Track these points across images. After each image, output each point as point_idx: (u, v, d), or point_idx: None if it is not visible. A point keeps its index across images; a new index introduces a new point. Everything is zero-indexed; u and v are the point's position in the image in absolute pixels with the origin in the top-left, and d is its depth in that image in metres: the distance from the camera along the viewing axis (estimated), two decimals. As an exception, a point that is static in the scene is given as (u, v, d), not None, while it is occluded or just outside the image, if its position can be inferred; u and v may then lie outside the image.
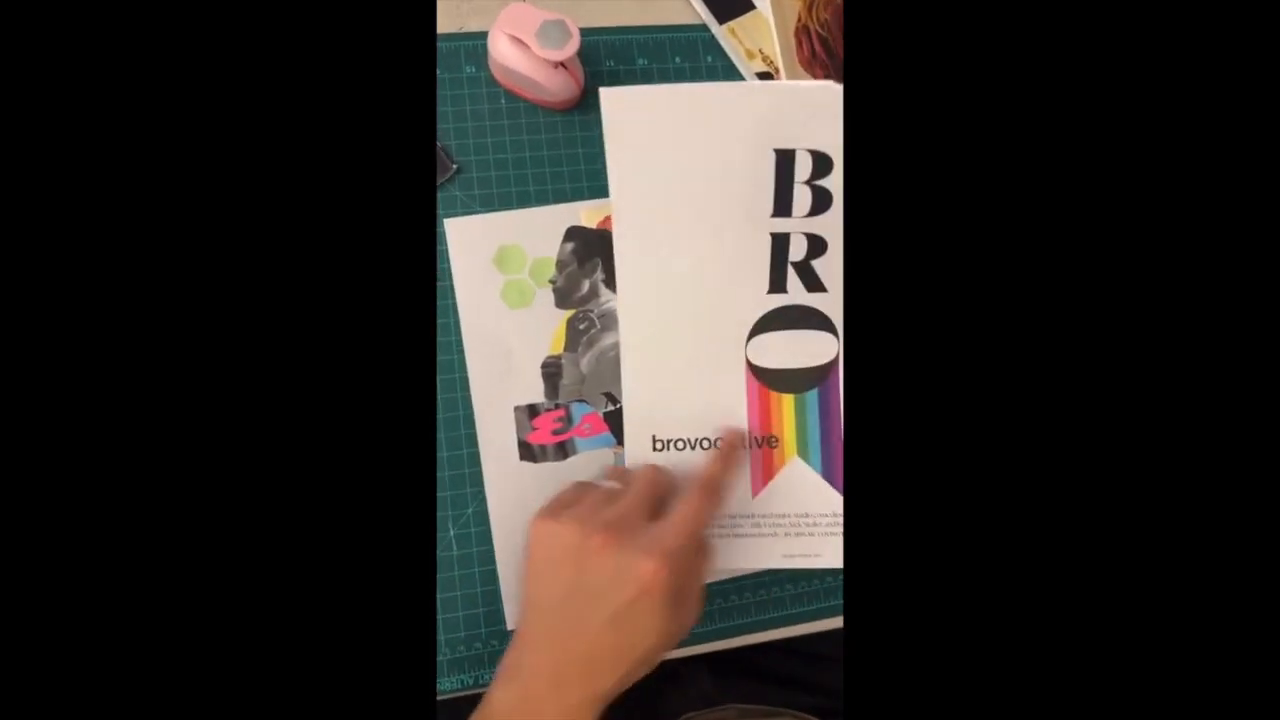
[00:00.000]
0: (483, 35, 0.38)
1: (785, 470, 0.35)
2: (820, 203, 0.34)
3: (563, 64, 0.36)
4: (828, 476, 0.35)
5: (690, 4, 0.42)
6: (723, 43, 0.42)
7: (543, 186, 0.39)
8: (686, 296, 0.35)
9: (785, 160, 0.33)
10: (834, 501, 0.35)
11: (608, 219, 0.39)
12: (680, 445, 0.35)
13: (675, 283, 0.35)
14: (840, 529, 0.35)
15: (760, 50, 0.42)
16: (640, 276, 0.35)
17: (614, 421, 0.38)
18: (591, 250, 0.39)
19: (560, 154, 0.40)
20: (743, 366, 0.35)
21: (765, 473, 0.35)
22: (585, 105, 0.40)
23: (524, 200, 0.39)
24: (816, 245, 0.34)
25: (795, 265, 0.34)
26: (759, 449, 0.35)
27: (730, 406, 0.35)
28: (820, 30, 0.42)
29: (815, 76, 0.41)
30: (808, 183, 0.34)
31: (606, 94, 0.34)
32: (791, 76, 0.41)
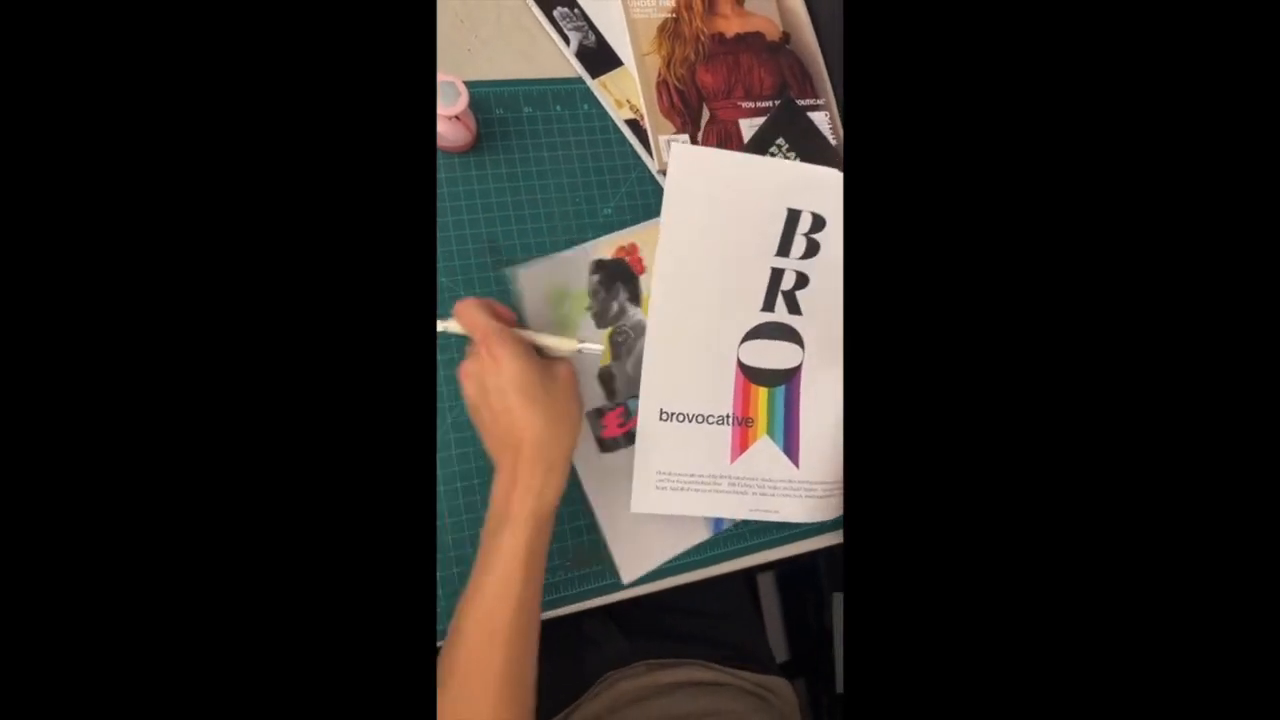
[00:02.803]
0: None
1: (756, 445, 0.45)
2: (811, 250, 0.45)
3: (457, 116, 0.43)
4: (787, 452, 0.46)
5: (568, 61, 0.50)
6: (596, 94, 0.50)
7: (443, 218, 0.45)
8: (701, 307, 0.45)
9: (794, 216, 0.45)
10: (791, 471, 0.45)
11: (620, 249, 0.47)
12: (680, 419, 0.45)
13: (696, 296, 0.45)
14: (794, 493, 0.45)
15: (628, 100, 0.50)
16: (671, 289, 0.44)
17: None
18: (613, 278, 0.47)
19: (458, 190, 0.46)
20: (734, 363, 0.45)
21: (741, 445, 0.45)
22: (479, 149, 0.47)
23: (428, 231, 0.45)
24: (802, 280, 0.46)
25: (784, 293, 0.45)
26: (738, 427, 0.45)
27: (721, 392, 0.45)
28: (677, 84, 0.51)
29: (674, 123, 0.50)
30: (806, 235, 0.45)
31: (677, 149, 0.44)
32: (654, 122, 0.49)
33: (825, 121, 0.53)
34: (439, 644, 0.40)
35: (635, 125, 0.49)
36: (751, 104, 0.52)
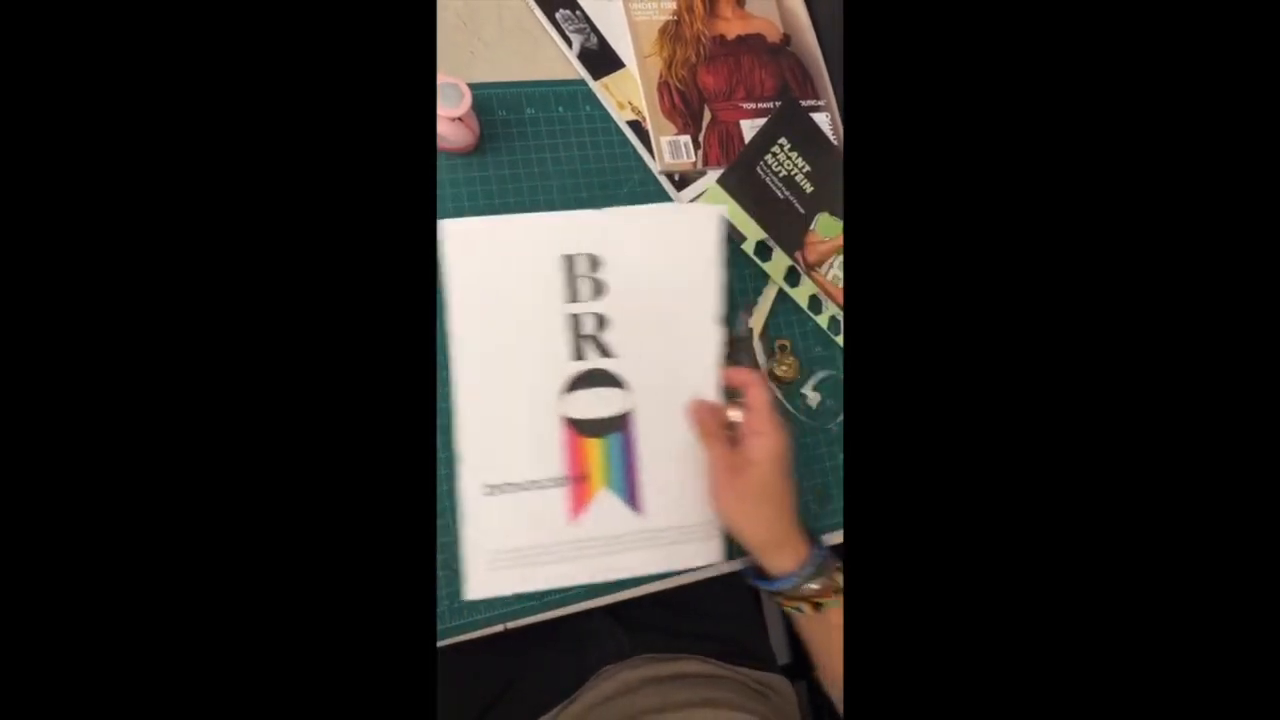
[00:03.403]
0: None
1: (595, 500, 0.43)
2: (599, 290, 0.43)
3: (460, 118, 0.43)
4: (629, 501, 0.43)
5: (570, 63, 0.50)
6: (599, 95, 0.50)
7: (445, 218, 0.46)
8: (508, 371, 0.42)
9: (568, 261, 0.43)
10: (636, 521, 0.43)
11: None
12: (509, 489, 0.42)
13: (501, 359, 0.42)
14: (642, 544, 0.43)
15: (630, 102, 0.50)
16: (473, 359, 0.42)
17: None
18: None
19: (461, 191, 0.46)
20: (557, 421, 0.42)
21: (579, 503, 0.43)
22: (482, 149, 0.47)
23: (431, 232, 0.45)
24: (602, 322, 0.43)
25: (589, 338, 0.43)
26: (573, 485, 0.43)
27: (548, 453, 0.42)
28: (679, 85, 0.51)
29: (675, 124, 0.50)
30: (588, 276, 0.43)
31: (452, 225, 0.41)
32: (656, 124, 0.49)
33: (826, 122, 0.54)
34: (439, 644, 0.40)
35: (637, 126, 0.50)
36: (753, 105, 0.52)
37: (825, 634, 0.43)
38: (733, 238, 0.50)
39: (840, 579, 0.42)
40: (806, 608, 0.42)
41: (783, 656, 1.06)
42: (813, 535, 0.43)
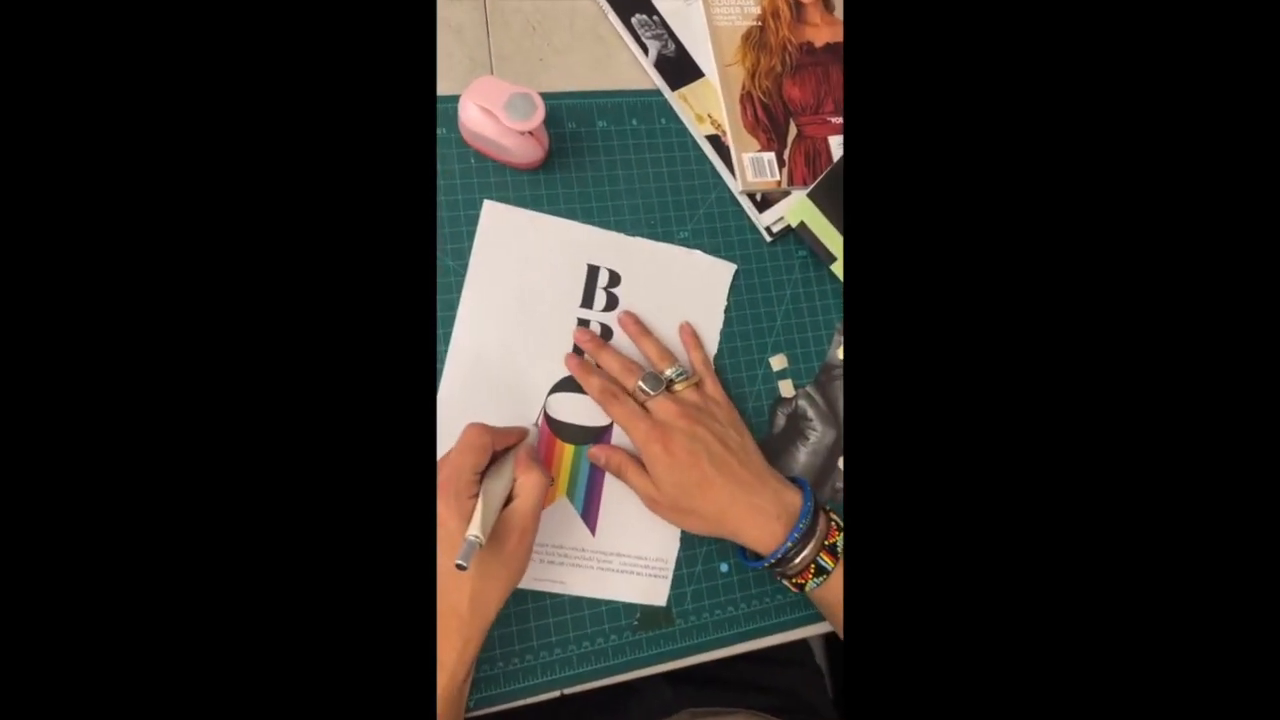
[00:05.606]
0: (453, 99, 0.41)
1: (551, 507, 0.41)
2: (611, 303, 0.44)
3: (530, 132, 0.40)
4: (584, 518, 0.41)
5: (646, 72, 0.46)
6: (675, 107, 0.46)
7: (512, 241, 0.42)
8: (506, 357, 0.42)
9: (593, 271, 0.44)
10: (586, 539, 0.41)
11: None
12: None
13: (500, 346, 0.42)
14: (585, 564, 0.41)
15: (709, 114, 0.46)
16: (475, 341, 0.41)
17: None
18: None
19: (528, 210, 0.43)
20: (540, 415, 0.42)
21: None
22: (549, 165, 0.44)
23: (494, 254, 0.42)
24: (607, 333, 0.43)
25: None
26: None
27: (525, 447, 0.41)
28: (763, 97, 0.47)
29: (758, 139, 0.46)
30: (605, 288, 0.44)
31: (489, 206, 0.43)
32: (737, 139, 0.45)
33: (921, 139, 0.49)
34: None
35: (716, 141, 0.46)
36: (842, 119, 0.48)
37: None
38: (820, 257, 0.45)
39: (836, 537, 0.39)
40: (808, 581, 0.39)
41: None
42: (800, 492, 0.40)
